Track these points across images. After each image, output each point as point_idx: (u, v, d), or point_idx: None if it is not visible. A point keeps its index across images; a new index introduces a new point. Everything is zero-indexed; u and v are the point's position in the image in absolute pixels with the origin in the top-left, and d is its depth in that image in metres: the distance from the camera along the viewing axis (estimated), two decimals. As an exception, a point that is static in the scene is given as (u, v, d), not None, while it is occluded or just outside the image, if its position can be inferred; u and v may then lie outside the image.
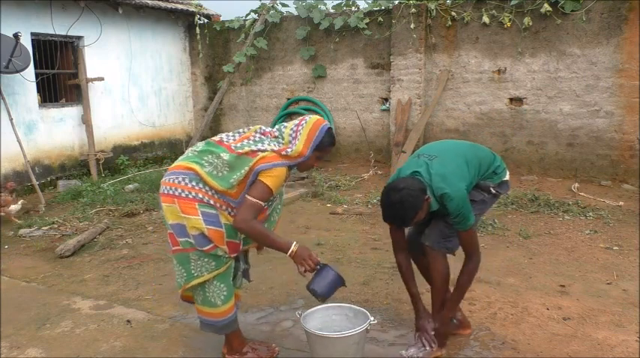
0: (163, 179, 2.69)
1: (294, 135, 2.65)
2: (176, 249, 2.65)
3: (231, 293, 2.75)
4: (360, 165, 8.46)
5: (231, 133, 2.73)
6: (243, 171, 2.55)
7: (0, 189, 6.33)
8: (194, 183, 2.59)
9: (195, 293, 2.74)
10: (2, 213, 5.76)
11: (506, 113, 7.61)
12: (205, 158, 2.60)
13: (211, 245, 2.59)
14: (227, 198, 2.60)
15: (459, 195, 2.61)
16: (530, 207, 5.88)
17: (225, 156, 2.58)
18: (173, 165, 2.71)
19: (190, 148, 2.78)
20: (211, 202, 2.58)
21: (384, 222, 2.74)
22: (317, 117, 2.73)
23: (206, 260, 2.63)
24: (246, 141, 2.63)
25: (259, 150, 2.58)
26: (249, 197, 2.55)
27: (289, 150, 2.61)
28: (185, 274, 2.68)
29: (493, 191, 2.86)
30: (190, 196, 2.57)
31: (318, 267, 2.68)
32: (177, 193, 2.59)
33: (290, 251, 2.62)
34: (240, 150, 2.57)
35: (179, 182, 2.60)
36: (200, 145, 2.72)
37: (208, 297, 2.70)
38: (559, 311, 3.40)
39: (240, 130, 2.74)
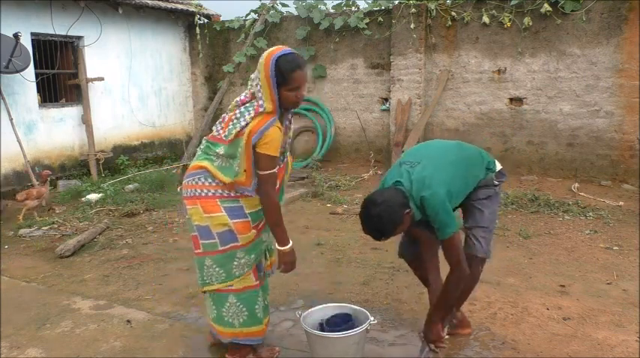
0: (183, 182, 2.71)
1: (258, 87, 2.50)
2: (198, 252, 2.67)
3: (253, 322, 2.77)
4: (360, 165, 8.46)
5: (218, 121, 2.68)
6: (239, 154, 2.51)
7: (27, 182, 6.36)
8: (210, 181, 2.59)
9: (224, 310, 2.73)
10: (24, 206, 5.84)
11: (506, 113, 7.62)
12: (211, 153, 2.61)
13: (232, 244, 2.59)
14: (242, 189, 2.57)
15: (437, 199, 2.52)
16: (530, 207, 5.88)
17: (222, 149, 2.56)
18: (189, 166, 2.73)
19: (199, 147, 2.79)
20: (232, 194, 2.57)
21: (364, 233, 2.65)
22: (267, 52, 2.49)
23: (222, 268, 2.64)
24: (231, 124, 2.54)
25: (243, 127, 2.49)
26: (260, 172, 2.52)
27: (261, 109, 2.48)
28: (223, 274, 2.66)
29: (496, 182, 2.89)
30: (210, 194, 2.58)
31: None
32: (197, 194, 2.61)
33: (286, 246, 2.62)
34: (230, 137, 2.52)
35: (196, 182, 2.61)
36: (203, 143, 2.73)
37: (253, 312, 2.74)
38: (559, 311, 3.40)
39: (225, 115, 2.66)
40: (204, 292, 2.77)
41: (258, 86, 2.49)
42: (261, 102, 2.49)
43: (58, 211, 6.30)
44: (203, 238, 2.62)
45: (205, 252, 2.64)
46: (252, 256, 2.69)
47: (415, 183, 2.57)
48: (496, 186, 2.91)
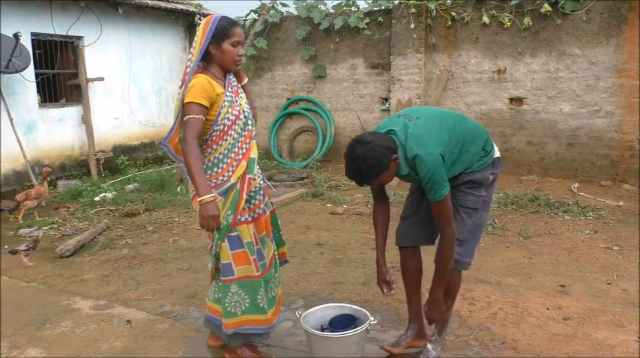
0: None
1: (191, 49, 2.59)
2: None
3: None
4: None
5: None
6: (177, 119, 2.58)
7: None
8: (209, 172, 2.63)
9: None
10: (22, 206, 5.83)
11: (506, 113, 7.62)
12: None
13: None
14: (210, 169, 2.59)
15: (431, 159, 2.39)
16: (530, 207, 5.88)
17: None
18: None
19: None
20: (217, 181, 2.59)
21: (347, 178, 2.55)
22: (206, 18, 2.62)
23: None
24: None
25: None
26: (185, 117, 2.49)
27: (189, 62, 2.55)
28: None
29: (491, 177, 2.68)
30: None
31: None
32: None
33: (201, 198, 2.42)
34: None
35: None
36: None
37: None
38: (559, 311, 3.40)
39: None
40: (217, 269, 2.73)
41: (192, 48, 2.58)
42: (189, 62, 2.55)
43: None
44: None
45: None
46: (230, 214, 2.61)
47: (410, 138, 2.45)
48: (489, 181, 2.68)
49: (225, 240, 2.63)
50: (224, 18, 2.57)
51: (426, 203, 2.57)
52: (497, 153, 2.74)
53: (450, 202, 2.50)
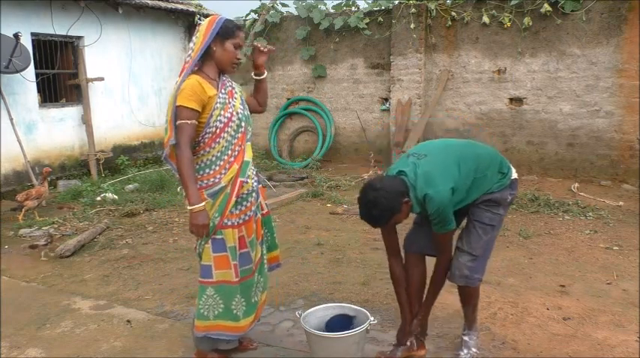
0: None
1: (191, 44, 2.58)
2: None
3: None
4: (360, 165, 8.46)
5: None
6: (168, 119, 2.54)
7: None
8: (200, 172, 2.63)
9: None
10: (26, 205, 5.84)
11: (506, 113, 7.62)
12: None
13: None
14: (200, 169, 2.58)
15: (441, 197, 2.46)
16: (530, 207, 5.87)
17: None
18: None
19: None
20: (208, 182, 2.59)
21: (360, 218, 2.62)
22: (209, 18, 2.62)
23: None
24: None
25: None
26: (176, 124, 2.50)
27: (188, 58, 2.55)
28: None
29: (510, 198, 2.71)
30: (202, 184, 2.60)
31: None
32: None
33: (195, 206, 2.48)
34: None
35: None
36: None
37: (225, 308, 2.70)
38: (559, 311, 3.40)
39: None
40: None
41: (192, 44, 2.57)
42: (188, 58, 2.55)
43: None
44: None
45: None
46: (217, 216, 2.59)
47: (420, 177, 2.50)
48: (508, 203, 2.72)
49: (210, 241, 2.62)
50: (230, 20, 2.60)
51: (427, 222, 2.66)
52: (514, 175, 2.76)
53: (451, 235, 2.64)
